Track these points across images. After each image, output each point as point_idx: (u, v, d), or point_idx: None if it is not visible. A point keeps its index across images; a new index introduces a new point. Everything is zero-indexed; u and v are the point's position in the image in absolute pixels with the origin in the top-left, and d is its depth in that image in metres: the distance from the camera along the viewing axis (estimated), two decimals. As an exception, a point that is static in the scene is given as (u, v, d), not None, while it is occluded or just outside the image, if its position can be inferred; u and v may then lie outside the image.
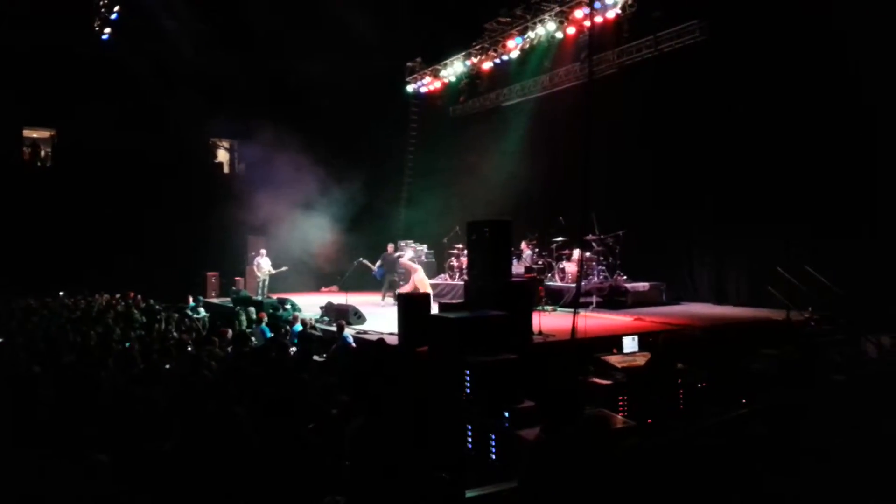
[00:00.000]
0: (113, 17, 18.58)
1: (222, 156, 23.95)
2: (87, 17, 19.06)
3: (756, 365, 7.91)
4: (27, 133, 21.21)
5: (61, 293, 16.40)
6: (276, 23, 17.79)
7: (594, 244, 14.15)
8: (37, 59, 18.34)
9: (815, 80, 11.39)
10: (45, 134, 21.54)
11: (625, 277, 14.06)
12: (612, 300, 13.27)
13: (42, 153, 21.41)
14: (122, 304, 15.33)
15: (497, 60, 17.50)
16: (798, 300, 10.68)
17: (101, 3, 18.52)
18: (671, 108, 13.98)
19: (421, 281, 14.23)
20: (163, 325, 11.48)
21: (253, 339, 10.44)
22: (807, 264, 10.72)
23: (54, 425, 5.66)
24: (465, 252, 13.88)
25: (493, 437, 6.60)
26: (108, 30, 18.96)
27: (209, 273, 18.89)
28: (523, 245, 15.24)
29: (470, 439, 6.76)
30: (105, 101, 18.86)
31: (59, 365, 7.68)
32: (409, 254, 16.73)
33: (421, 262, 17.36)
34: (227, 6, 18.01)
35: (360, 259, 16.55)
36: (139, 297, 16.27)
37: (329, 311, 12.87)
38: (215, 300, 17.54)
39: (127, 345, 9.28)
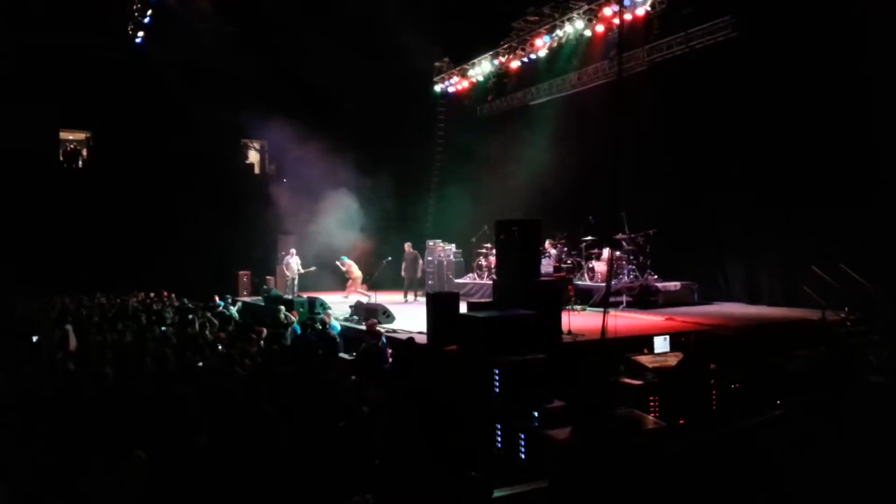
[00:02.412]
0: (145, 20, 18.96)
1: (253, 157, 24.26)
2: (121, 22, 19.47)
3: (791, 366, 7.77)
4: (63, 135, 21.72)
5: (98, 293, 16.75)
6: (305, 24, 17.94)
7: (624, 243, 14.01)
8: (72, 64, 18.76)
9: (847, 77, 11.13)
10: (80, 136, 22.04)
11: (655, 277, 13.90)
12: (643, 300, 13.13)
13: (78, 155, 21.90)
14: (157, 302, 15.61)
15: (525, 59, 17.43)
16: (833, 299, 10.45)
17: (135, 7, 18.90)
18: (702, 106, 13.78)
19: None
20: (196, 324, 11.66)
21: (286, 337, 10.55)
22: (842, 262, 10.50)
23: (95, 422, 5.79)
24: (494, 251, 13.87)
25: (523, 436, 6.59)
26: (140, 33, 19.34)
27: (241, 272, 19.14)
28: (548, 244, 15.14)
29: (499, 439, 6.75)
30: (138, 103, 19.25)
31: (97, 363, 7.85)
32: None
33: (449, 262, 17.40)
34: (255, 8, 18.23)
35: (389, 259, 16.65)
36: (173, 295, 16.55)
37: (358, 310, 12.95)
38: (247, 299, 17.77)
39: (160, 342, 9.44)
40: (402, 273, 17.15)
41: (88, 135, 21.74)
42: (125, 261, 18.50)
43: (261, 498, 4.72)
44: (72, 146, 21.86)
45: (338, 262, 17.07)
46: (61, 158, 21.48)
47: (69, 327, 10.13)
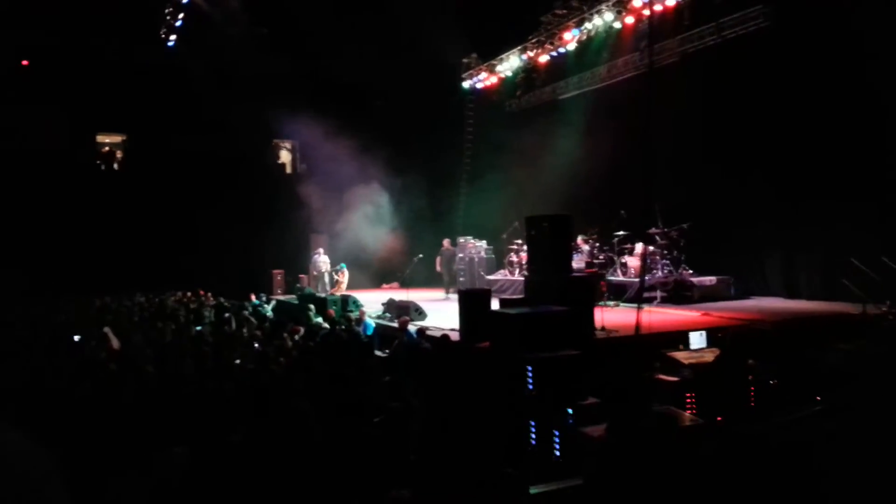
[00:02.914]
0: (178, 24, 19.29)
1: (284, 156, 24.53)
2: (154, 26, 19.85)
3: (831, 361, 7.61)
4: (100, 138, 22.23)
5: (137, 293, 17.12)
6: (334, 23, 18.07)
7: (658, 238, 13.84)
8: (109, 68, 19.18)
9: (887, 64, 10.81)
10: (116, 139, 22.52)
11: (690, 272, 13.71)
12: (678, 295, 12.95)
13: (114, 157, 22.39)
14: (194, 301, 15.90)
15: (554, 53, 17.32)
16: (875, 293, 10.19)
17: (167, 11, 19.25)
18: (735, 96, 13.52)
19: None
20: (232, 323, 11.85)
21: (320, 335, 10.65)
22: (883, 255, 10.23)
23: (135, 419, 5.92)
24: (525, 247, 13.82)
25: (557, 433, 6.57)
26: (173, 37, 19.69)
27: (275, 271, 19.39)
28: (579, 240, 15.03)
29: (533, 436, 6.74)
30: (172, 106, 19.60)
31: (136, 361, 8.03)
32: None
33: (480, 259, 17.40)
34: (285, 9, 18.41)
35: (420, 256, 16.71)
36: (209, 294, 16.84)
37: (390, 307, 13.03)
38: (281, 297, 17.99)
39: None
40: (439, 269, 17.20)
41: (124, 137, 22.21)
42: (162, 261, 18.87)
43: (296, 492, 4.78)
44: (107, 149, 22.36)
45: (336, 269, 17.34)
46: (98, 161, 21.98)
47: (107, 329, 10.37)
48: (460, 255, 17.78)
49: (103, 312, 14.16)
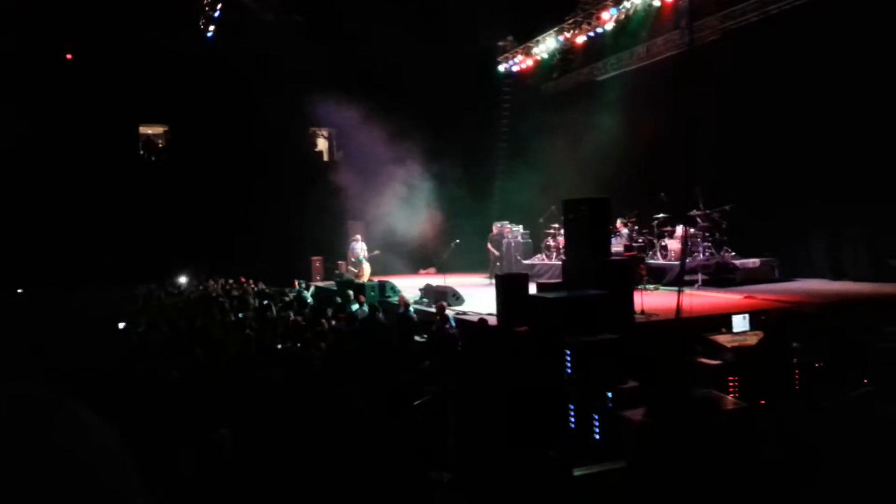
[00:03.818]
0: (216, 14, 19.55)
1: (322, 144, 24.74)
2: (193, 17, 20.15)
3: (880, 343, 7.42)
4: (143, 130, 22.73)
5: (182, 279, 17.55)
6: (370, 9, 18.10)
7: (699, 220, 13.59)
8: (150, 60, 19.54)
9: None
10: (158, 130, 23.00)
11: (733, 254, 13.44)
12: (720, 278, 12.72)
13: (156, 147, 22.89)
14: (237, 288, 16.23)
15: (591, 34, 17.06)
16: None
17: (206, 2, 19.52)
18: (778, 74, 13.15)
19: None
20: (274, 309, 12.08)
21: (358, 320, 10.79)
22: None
23: (182, 402, 6.11)
24: (562, 231, 13.73)
25: (597, 417, 6.56)
26: (212, 28, 19.97)
27: (314, 258, 19.64)
28: (618, 223, 14.84)
29: (573, 419, 6.74)
30: (211, 96, 19.92)
31: (186, 347, 8.27)
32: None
33: (517, 243, 17.34)
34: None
35: (457, 241, 16.73)
36: (251, 281, 17.17)
37: (428, 292, 13.10)
38: (321, 283, 18.23)
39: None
40: (496, 252, 17.20)
41: (166, 128, 22.67)
42: (204, 249, 19.28)
43: (338, 473, 4.88)
44: (150, 139, 22.86)
45: (357, 262, 17.45)
46: (141, 151, 22.50)
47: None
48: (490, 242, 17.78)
49: (149, 300, 14.57)
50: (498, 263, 16.89)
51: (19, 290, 17.46)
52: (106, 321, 11.45)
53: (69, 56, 20.21)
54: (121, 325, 10.90)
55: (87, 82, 19.28)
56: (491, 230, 17.68)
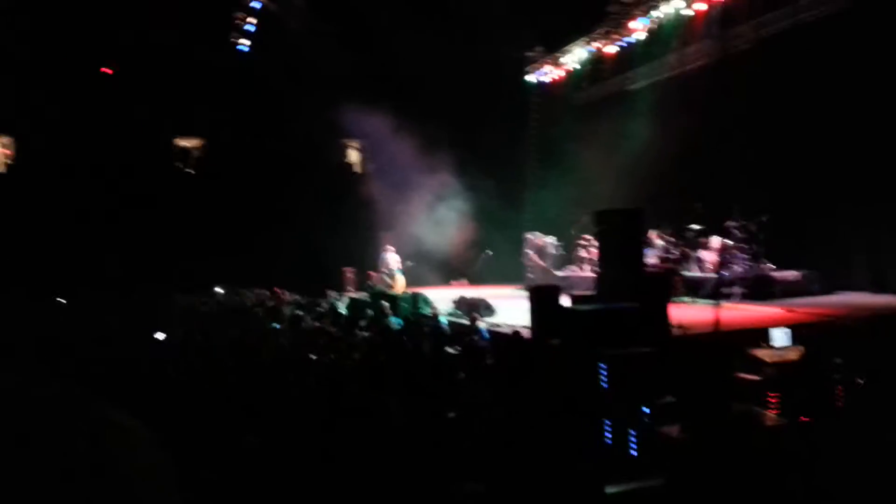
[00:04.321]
0: (249, 28, 19.93)
1: (353, 156, 24.96)
2: (226, 32, 20.57)
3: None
4: (177, 142, 23.17)
5: (217, 290, 17.78)
6: (400, 20, 18.24)
7: (736, 231, 13.36)
8: (185, 74, 19.94)
9: None
10: (194, 142, 23.42)
11: (772, 266, 13.18)
12: (758, 290, 12.46)
13: (190, 158, 23.27)
14: (271, 299, 16.40)
15: (621, 43, 16.98)
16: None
17: (239, 16, 19.90)
18: (814, 82, 12.90)
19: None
20: (308, 319, 12.17)
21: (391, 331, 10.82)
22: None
23: (212, 409, 6.18)
24: (595, 243, 13.62)
25: (633, 432, 6.46)
26: (245, 41, 20.35)
27: (345, 269, 19.78)
28: (653, 235, 14.66)
29: (609, 434, 6.65)
30: (245, 109, 20.25)
31: (216, 356, 8.37)
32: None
33: (549, 254, 17.26)
34: (348, 6, 18.70)
35: (489, 252, 16.69)
36: (285, 292, 17.34)
37: (461, 304, 13.09)
38: (353, 294, 18.33)
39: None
40: (541, 263, 17.20)
41: (201, 141, 23.08)
42: (238, 260, 19.54)
43: (374, 483, 4.87)
44: (185, 150, 23.24)
45: (390, 273, 17.50)
46: (177, 163, 22.92)
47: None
48: (528, 251, 17.69)
49: (185, 310, 14.79)
50: (535, 274, 16.83)
51: (60, 300, 17.87)
52: (143, 330, 11.64)
53: (108, 71, 20.73)
54: (159, 336, 11.05)
55: (124, 96, 19.74)
56: (526, 241, 17.67)
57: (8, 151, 21.31)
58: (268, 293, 17.46)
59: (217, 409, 6.21)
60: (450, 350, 9.34)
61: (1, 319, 12.30)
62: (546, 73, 20.12)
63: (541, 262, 16.96)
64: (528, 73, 20.76)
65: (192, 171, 22.94)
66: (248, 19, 19.62)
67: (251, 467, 4.80)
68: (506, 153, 21.19)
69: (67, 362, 8.34)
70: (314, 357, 8.54)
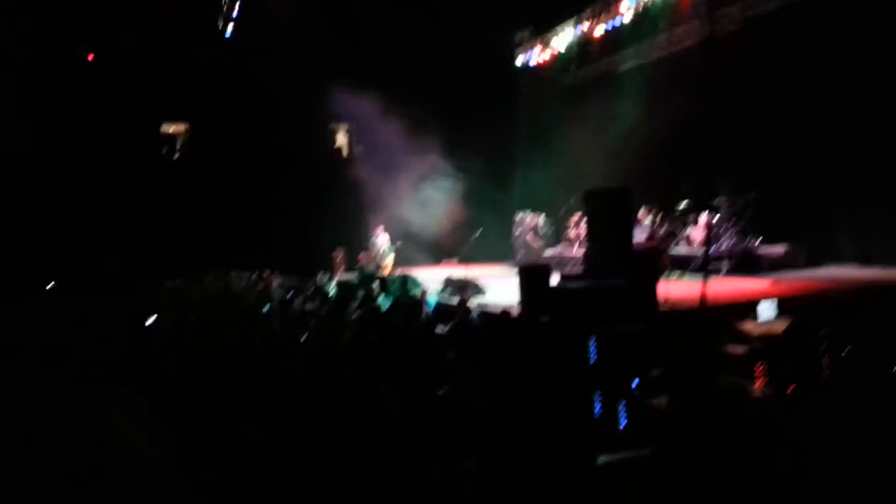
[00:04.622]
0: (234, 13, 19.72)
1: (341, 140, 24.85)
2: (212, 17, 20.34)
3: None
4: (164, 128, 22.97)
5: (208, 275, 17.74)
6: (385, 2, 18.12)
7: (723, 207, 13.46)
8: (171, 60, 19.75)
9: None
10: (180, 128, 23.23)
11: (758, 241, 13.29)
12: (746, 265, 12.61)
13: (177, 144, 23.10)
14: (261, 282, 16.39)
15: (609, 25, 16.92)
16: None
17: (224, 1, 19.69)
18: (803, 60, 12.94)
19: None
20: (297, 302, 12.17)
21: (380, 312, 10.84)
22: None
23: (205, 396, 6.19)
24: (583, 222, 13.66)
25: (622, 404, 6.54)
26: (230, 26, 20.14)
27: (335, 251, 19.78)
28: (641, 213, 14.74)
29: (598, 407, 6.73)
30: (231, 93, 20.10)
31: (210, 340, 8.36)
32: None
33: (538, 235, 17.29)
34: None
35: (479, 231, 16.72)
36: (274, 274, 17.33)
37: (450, 284, 13.12)
38: (343, 277, 18.34)
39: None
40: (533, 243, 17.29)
41: (187, 126, 22.89)
42: (226, 244, 19.48)
43: (365, 462, 4.91)
44: (171, 137, 23.07)
45: (384, 254, 17.50)
46: (162, 149, 22.75)
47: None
48: (518, 230, 17.72)
49: (174, 294, 14.74)
50: (526, 253, 16.89)
51: (49, 286, 17.79)
52: (133, 317, 11.61)
53: (90, 57, 20.48)
54: (149, 321, 11.01)
55: (108, 83, 19.52)
56: (517, 220, 17.71)
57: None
58: (257, 276, 17.45)
59: (213, 396, 6.22)
60: (439, 329, 9.38)
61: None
62: (534, 56, 20.04)
63: (538, 242, 17.05)
64: (516, 55, 20.67)
65: (178, 157, 22.78)
66: (234, 4, 19.41)
67: (249, 457, 4.81)
68: (494, 135, 21.16)
69: (65, 358, 8.32)
70: (304, 340, 8.55)
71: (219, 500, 4.33)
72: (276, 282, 16.38)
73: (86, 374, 6.88)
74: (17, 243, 17.33)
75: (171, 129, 23.17)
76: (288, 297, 13.07)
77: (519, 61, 20.77)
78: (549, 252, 16.89)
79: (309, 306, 11.42)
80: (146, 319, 11.15)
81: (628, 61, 18.07)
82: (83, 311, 12.80)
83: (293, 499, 4.44)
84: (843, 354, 7.33)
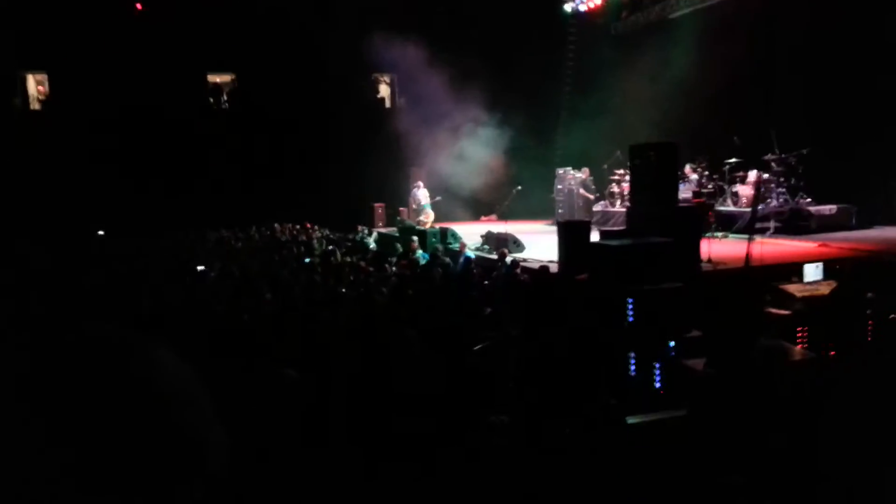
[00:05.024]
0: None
1: (384, 90, 24.68)
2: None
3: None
4: (210, 78, 23.12)
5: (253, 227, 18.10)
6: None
7: (773, 164, 13.00)
8: (216, 10, 19.74)
9: None
10: (226, 78, 23.36)
11: (809, 200, 12.86)
12: (794, 225, 12.23)
13: (222, 95, 23.27)
14: (302, 234, 16.66)
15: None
16: None
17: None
18: (861, 12, 12.21)
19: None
20: (338, 254, 12.36)
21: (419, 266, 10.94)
22: None
23: (250, 344, 6.39)
24: (627, 177, 13.40)
25: (658, 365, 6.53)
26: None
27: (376, 204, 19.88)
28: (687, 169, 14.34)
29: (633, 367, 6.73)
30: (276, 44, 20.07)
31: (258, 290, 8.59)
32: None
33: (589, 188, 17.15)
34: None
35: (519, 188, 16.58)
36: (315, 227, 17.57)
37: (489, 239, 13.12)
38: (383, 230, 18.50)
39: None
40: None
41: (233, 76, 23.02)
42: (269, 195, 19.76)
43: (403, 416, 5.03)
44: (216, 87, 23.23)
45: (422, 208, 17.42)
46: (210, 99, 22.95)
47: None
48: (559, 186, 17.50)
49: (221, 244, 15.12)
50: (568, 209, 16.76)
51: (100, 232, 18.40)
52: (183, 264, 11.97)
53: (139, 6, 20.62)
54: (200, 268, 11.31)
55: (156, 32, 19.67)
56: (558, 176, 17.51)
57: (42, 88, 21.59)
58: (299, 228, 17.72)
59: (256, 342, 6.41)
60: (477, 284, 9.43)
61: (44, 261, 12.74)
62: (584, 2, 19.40)
63: (589, 195, 16.87)
64: (564, 1, 20.05)
65: (225, 107, 22.97)
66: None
67: (291, 401, 4.97)
68: (540, 85, 20.73)
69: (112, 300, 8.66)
70: (344, 291, 8.71)
71: (259, 437, 4.52)
72: (317, 234, 16.63)
73: (138, 317, 7.17)
74: (62, 189, 17.91)
75: (216, 78, 23.32)
76: (329, 249, 13.27)
77: (568, 7, 20.16)
78: (595, 207, 16.66)
79: (349, 259, 11.59)
80: (197, 266, 11.48)
81: (682, 7, 17.34)
82: (136, 256, 13.27)
83: (327, 442, 4.60)
84: (889, 318, 7.15)
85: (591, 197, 16.83)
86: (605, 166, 16.61)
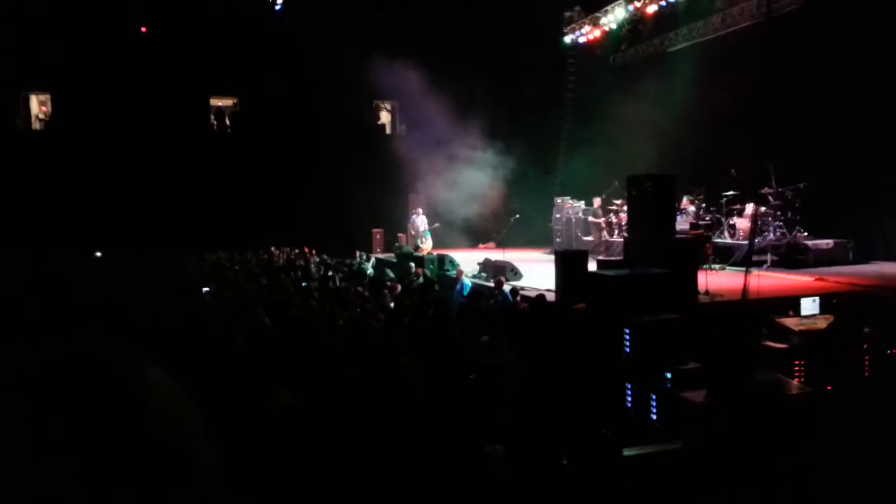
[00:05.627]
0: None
1: (384, 117, 24.88)
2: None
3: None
4: (213, 102, 23.30)
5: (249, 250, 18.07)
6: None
7: (770, 198, 13.08)
8: (221, 34, 19.96)
9: None
10: (228, 102, 23.54)
11: (805, 234, 12.91)
12: (790, 258, 12.26)
13: (225, 119, 23.43)
14: (300, 258, 16.64)
15: (662, 3, 16.49)
16: None
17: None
18: (860, 46, 12.40)
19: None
20: (336, 279, 12.34)
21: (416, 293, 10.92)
22: None
23: (247, 366, 6.35)
24: (625, 208, 13.46)
25: (654, 397, 6.49)
26: (280, 1, 20.25)
27: (374, 230, 19.91)
28: (685, 201, 14.43)
29: (629, 398, 6.69)
30: (279, 69, 20.28)
31: (249, 314, 8.55)
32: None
33: (578, 219, 17.13)
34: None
35: (517, 216, 16.64)
36: (314, 252, 17.56)
37: (487, 267, 13.12)
38: (381, 255, 18.50)
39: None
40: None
41: (235, 100, 23.20)
42: (268, 219, 19.80)
43: (398, 443, 4.99)
44: (219, 110, 23.40)
45: (422, 236, 17.50)
46: (212, 122, 23.10)
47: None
48: (557, 215, 17.56)
49: (216, 267, 15.09)
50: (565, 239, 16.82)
51: (97, 253, 18.37)
52: (185, 286, 11.92)
53: (143, 29, 20.84)
54: (205, 290, 11.25)
55: (160, 55, 19.87)
56: (555, 206, 17.59)
57: (45, 108, 21.72)
58: (297, 252, 17.70)
59: (252, 364, 6.37)
60: (474, 312, 9.41)
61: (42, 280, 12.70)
62: (584, 34, 19.68)
63: (599, 221, 16.95)
64: (565, 33, 20.33)
65: (228, 130, 23.10)
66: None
67: (284, 423, 4.93)
68: (540, 115, 20.93)
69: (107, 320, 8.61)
70: (342, 317, 8.67)
71: (253, 462, 4.47)
72: (315, 259, 16.61)
73: (138, 338, 7.13)
74: (60, 207, 17.94)
75: (219, 102, 23.51)
76: (328, 274, 13.24)
77: (568, 39, 20.43)
78: (587, 238, 16.71)
79: (346, 284, 11.57)
80: (202, 288, 11.41)
81: (681, 41, 17.59)
82: (133, 275, 13.22)
83: (322, 464, 4.55)
84: (887, 353, 7.14)
85: (601, 222, 16.81)
86: (604, 196, 16.70)
